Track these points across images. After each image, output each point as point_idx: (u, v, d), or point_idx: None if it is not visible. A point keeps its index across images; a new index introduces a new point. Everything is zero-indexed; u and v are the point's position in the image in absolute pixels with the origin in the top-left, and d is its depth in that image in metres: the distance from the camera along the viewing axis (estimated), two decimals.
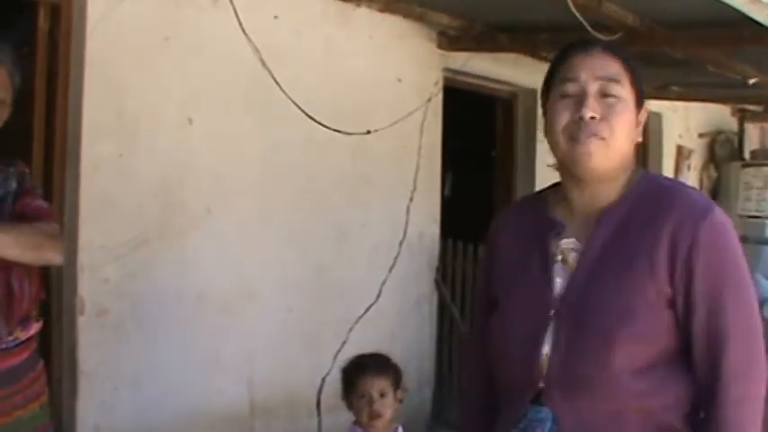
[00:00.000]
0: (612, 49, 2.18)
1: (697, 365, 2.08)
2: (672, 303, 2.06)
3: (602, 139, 2.09)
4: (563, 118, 2.12)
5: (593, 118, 2.09)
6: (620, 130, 2.11)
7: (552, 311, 2.12)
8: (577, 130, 2.10)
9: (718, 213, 2.12)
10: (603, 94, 2.11)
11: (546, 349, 2.11)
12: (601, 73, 2.12)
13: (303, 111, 5.23)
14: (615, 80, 2.12)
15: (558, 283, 2.15)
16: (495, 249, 2.35)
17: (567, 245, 2.18)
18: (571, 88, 2.13)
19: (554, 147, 2.17)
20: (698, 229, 2.06)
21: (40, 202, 2.79)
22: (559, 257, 2.17)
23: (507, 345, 2.20)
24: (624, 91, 2.13)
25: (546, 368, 2.11)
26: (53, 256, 2.68)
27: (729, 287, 2.07)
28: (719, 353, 2.04)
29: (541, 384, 2.12)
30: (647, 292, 2.05)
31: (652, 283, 2.05)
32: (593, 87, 2.11)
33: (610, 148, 2.10)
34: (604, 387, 2.05)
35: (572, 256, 2.16)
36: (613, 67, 2.14)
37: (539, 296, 2.16)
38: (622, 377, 2.04)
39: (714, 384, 2.04)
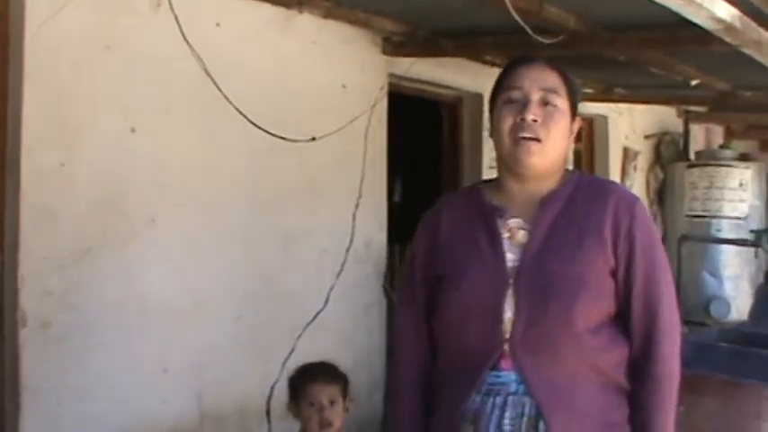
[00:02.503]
0: (553, 64, 2.51)
1: (635, 326, 2.43)
2: (613, 273, 2.41)
3: (540, 140, 2.42)
4: (508, 120, 2.44)
5: (534, 121, 2.41)
6: (556, 134, 2.45)
7: (510, 280, 2.40)
8: (520, 130, 2.42)
9: (642, 202, 2.54)
10: (544, 102, 2.44)
11: (508, 314, 2.38)
12: (542, 84, 2.45)
13: (247, 118, 5.20)
14: (554, 91, 2.46)
15: (510, 257, 2.43)
16: (437, 235, 2.57)
17: (514, 224, 2.47)
18: (516, 94, 2.45)
19: (498, 145, 2.49)
20: (634, 210, 2.45)
21: None
22: (507, 235, 2.46)
23: (467, 315, 2.43)
24: (561, 101, 2.47)
25: (509, 331, 2.37)
26: None
27: (659, 260, 2.47)
28: (655, 315, 2.42)
29: (505, 347, 2.37)
30: (596, 262, 2.39)
31: (601, 255, 2.40)
32: (535, 96, 2.44)
33: (545, 149, 2.43)
34: (567, 344, 2.35)
35: (520, 234, 2.45)
36: (553, 79, 2.47)
37: (494, 268, 2.43)
38: (581, 335, 2.35)
39: (651, 342, 2.41)
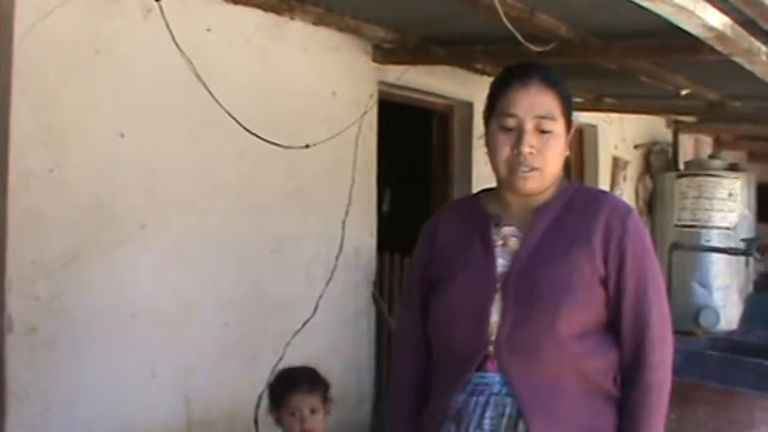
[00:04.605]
0: (548, 81, 2.49)
1: (625, 335, 2.44)
2: (603, 282, 2.43)
3: (537, 169, 2.45)
4: (504, 150, 2.45)
5: (530, 153, 2.42)
6: (552, 158, 2.47)
7: (498, 285, 2.44)
8: (516, 162, 2.44)
9: (636, 212, 2.57)
10: (539, 130, 2.44)
11: (494, 317, 2.42)
12: (537, 111, 2.44)
13: (240, 123, 5.18)
14: (550, 117, 2.45)
15: (501, 263, 2.47)
16: (435, 241, 2.63)
17: (508, 231, 2.51)
18: (510, 122, 2.45)
19: (495, 170, 2.51)
20: (627, 221, 2.47)
21: None
22: (500, 242, 2.51)
23: (455, 317, 2.48)
24: (557, 125, 2.47)
25: (495, 334, 2.41)
26: None
27: (651, 270, 2.48)
28: (645, 325, 2.43)
29: (490, 349, 2.41)
30: (583, 270, 2.41)
31: (589, 263, 2.42)
32: (529, 124, 2.43)
33: (543, 175, 2.47)
34: (550, 349, 2.37)
35: (513, 241, 2.50)
36: (548, 102, 2.46)
37: (484, 273, 2.47)
38: (565, 340, 2.37)
39: (640, 350, 2.43)
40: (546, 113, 2.45)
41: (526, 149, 2.42)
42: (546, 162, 2.45)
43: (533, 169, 2.44)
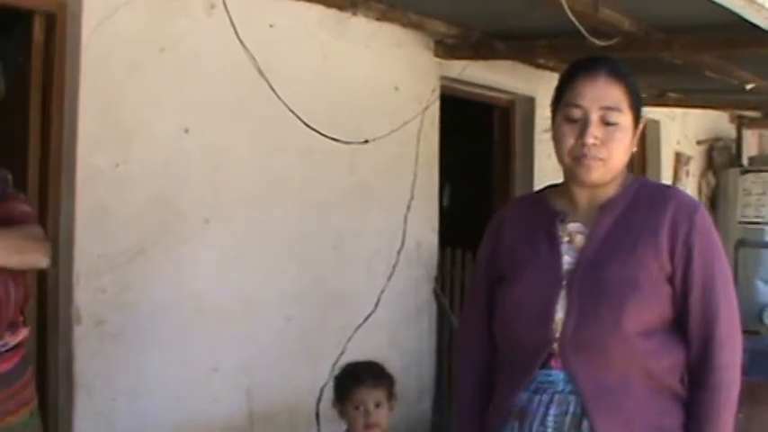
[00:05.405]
0: (616, 73, 2.45)
1: (692, 333, 2.40)
2: (670, 279, 2.40)
3: (601, 160, 2.41)
4: (569, 140, 2.43)
5: (594, 144, 2.39)
6: (617, 151, 2.43)
7: (564, 282, 2.42)
8: (580, 152, 2.41)
9: (703, 208, 2.52)
10: (604, 122, 2.41)
11: (559, 314, 2.40)
12: (603, 102, 2.41)
13: (301, 119, 5.21)
14: (616, 108, 2.42)
15: (566, 259, 2.46)
16: (501, 237, 2.62)
17: (574, 228, 2.49)
18: (575, 113, 2.42)
19: (560, 160, 2.49)
20: (694, 217, 2.43)
21: (25, 207, 2.78)
22: (566, 239, 2.49)
23: (520, 314, 2.47)
24: (623, 117, 2.43)
25: (559, 331, 2.39)
26: (39, 259, 2.67)
27: (719, 267, 2.44)
28: (713, 323, 2.38)
29: (555, 346, 2.39)
30: (650, 267, 2.38)
31: (655, 260, 2.39)
32: (595, 115, 2.40)
33: (607, 167, 2.43)
34: (615, 347, 2.35)
35: (579, 238, 2.48)
36: (615, 94, 2.43)
37: (549, 270, 2.45)
38: (630, 338, 2.34)
39: (708, 350, 2.38)
40: (612, 105, 2.41)
41: (590, 140, 2.39)
42: (610, 154, 2.41)
43: (597, 159, 2.41)
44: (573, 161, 2.43)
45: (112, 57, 4.39)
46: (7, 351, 2.61)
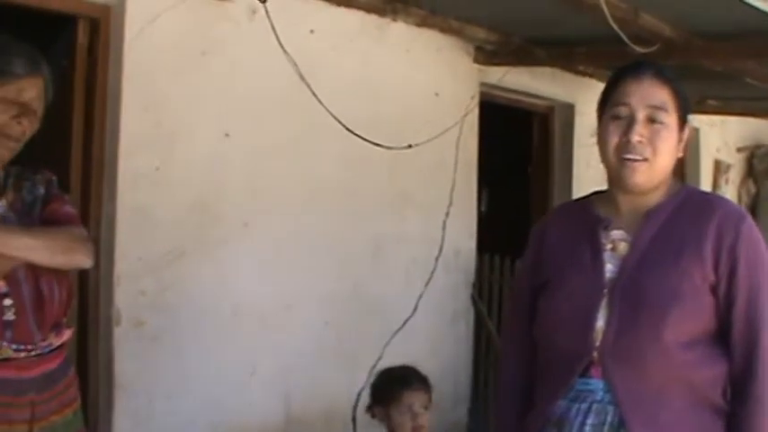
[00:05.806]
0: (662, 76, 2.45)
1: (735, 345, 2.36)
2: (713, 289, 2.36)
3: (646, 159, 2.39)
4: (614, 138, 2.41)
5: (640, 141, 2.38)
6: (663, 151, 2.41)
7: (605, 290, 2.40)
8: (625, 150, 2.39)
9: (750, 218, 2.47)
10: (650, 120, 2.40)
11: (600, 323, 2.38)
12: (649, 101, 2.40)
13: (342, 124, 5.22)
14: (662, 108, 2.40)
15: (609, 267, 2.43)
16: (544, 244, 2.61)
17: (617, 236, 2.47)
18: (622, 111, 2.41)
19: (604, 161, 2.47)
20: (740, 226, 2.39)
21: (68, 208, 2.80)
22: (609, 246, 2.46)
23: (561, 321, 2.45)
24: (669, 117, 2.41)
25: (600, 339, 2.37)
26: (83, 260, 2.69)
27: (764, 278, 2.39)
28: (757, 335, 2.34)
29: (594, 355, 2.37)
30: (693, 277, 2.34)
31: (699, 270, 2.35)
32: (641, 114, 2.39)
33: (652, 168, 2.40)
34: (654, 357, 2.31)
35: (622, 245, 2.45)
36: (662, 94, 2.42)
37: (592, 277, 2.43)
38: (671, 349, 2.30)
39: (751, 361, 2.34)
40: (659, 104, 2.40)
41: (635, 137, 2.37)
42: (656, 153, 2.39)
43: (642, 160, 2.38)
44: (618, 162, 2.41)
45: (155, 61, 4.42)
46: (51, 351, 2.63)
